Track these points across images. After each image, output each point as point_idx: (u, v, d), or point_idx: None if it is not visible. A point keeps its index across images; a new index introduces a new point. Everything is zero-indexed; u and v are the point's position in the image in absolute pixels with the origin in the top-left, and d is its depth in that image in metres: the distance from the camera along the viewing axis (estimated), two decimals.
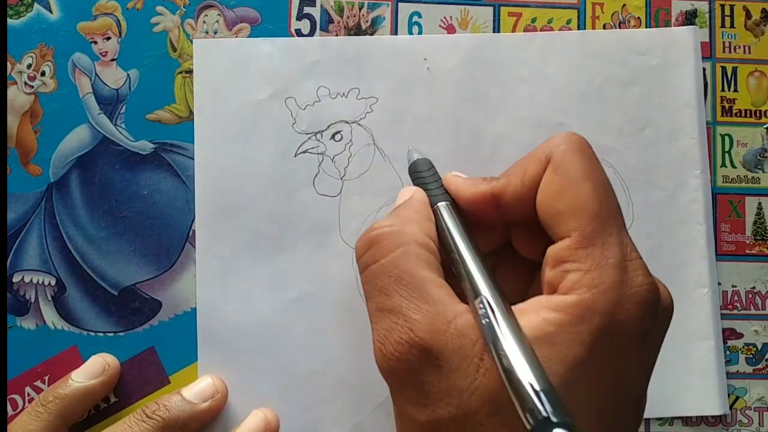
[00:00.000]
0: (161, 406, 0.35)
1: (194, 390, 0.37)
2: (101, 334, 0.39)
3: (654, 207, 0.40)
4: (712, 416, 0.40)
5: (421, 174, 0.32)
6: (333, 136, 0.40)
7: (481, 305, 0.24)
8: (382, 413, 0.38)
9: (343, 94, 0.40)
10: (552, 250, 0.25)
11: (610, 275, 0.23)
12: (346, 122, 0.40)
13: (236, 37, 0.40)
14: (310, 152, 0.39)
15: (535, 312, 0.24)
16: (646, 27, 0.42)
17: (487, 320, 0.23)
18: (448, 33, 0.41)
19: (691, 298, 0.39)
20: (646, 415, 0.39)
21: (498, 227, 0.29)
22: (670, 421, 0.39)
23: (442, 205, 0.29)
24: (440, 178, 0.31)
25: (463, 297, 0.25)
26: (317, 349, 0.38)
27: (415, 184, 0.32)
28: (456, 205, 0.29)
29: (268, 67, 0.40)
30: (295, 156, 0.39)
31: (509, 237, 0.29)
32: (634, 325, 0.24)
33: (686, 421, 0.39)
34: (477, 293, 0.25)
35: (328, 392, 0.38)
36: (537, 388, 0.21)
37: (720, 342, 0.40)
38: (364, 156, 0.40)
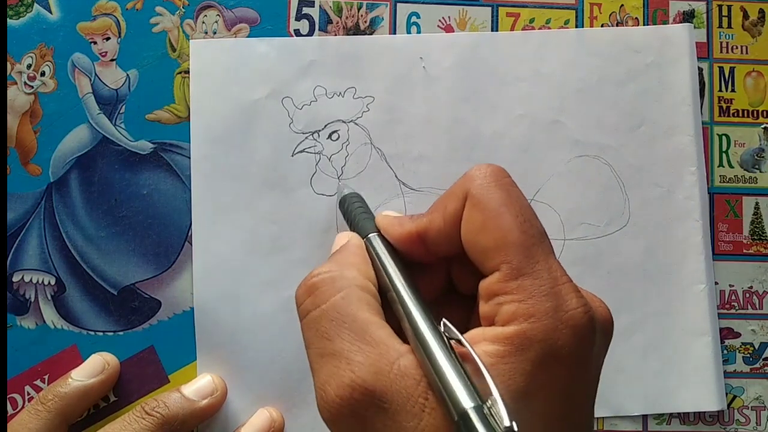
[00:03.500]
0: (161, 403, 0.35)
1: (194, 387, 0.37)
2: (101, 334, 0.39)
3: (650, 204, 0.40)
4: (710, 415, 0.40)
5: (352, 207, 0.32)
6: (330, 136, 0.40)
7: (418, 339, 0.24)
8: None
9: (340, 93, 0.40)
10: (483, 285, 0.25)
11: (543, 302, 0.24)
12: (343, 122, 0.40)
13: (235, 37, 0.40)
14: (307, 152, 0.40)
15: (475, 345, 0.24)
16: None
17: (425, 355, 0.24)
18: (446, 33, 0.41)
19: (687, 294, 0.40)
20: (643, 412, 0.39)
21: (436, 266, 0.29)
22: (668, 419, 0.40)
23: (373, 236, 0.29)
24: (369, 210, 0.32)
25: (404, 337, 0.25)
26: None
27: (345, 219, 0.32)
28: (385, 240, 0.29)
29: (265, 66, 0.40)
30: (292, 155, 0.40)
31: (448, 275, 0.29)
32: (573, 349, 0.23)
33: (684, 419, 0.40)
34: (415, 329, 0.25)
35: None
36: (469, 405, 0.22)
37: (717, 338, 0.40)
38: (361, 155, 0.40)
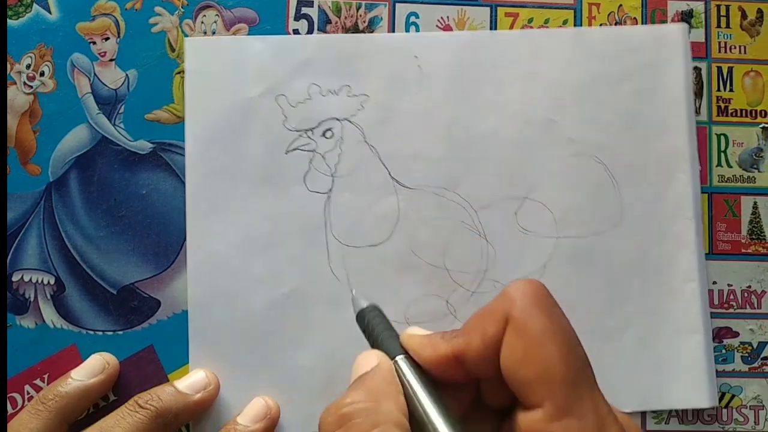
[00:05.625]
0: (154, 396, 0.35)
1: (187, 382, 0.37)
2: (100, 333, 0.39)
3: (644, 203, 0.40)
4: (708, 414, 0.40)
5: (374, 323, 0.30)
6: (324, 134, 0.40)
7: None
8: None
9: (335, 91, 0.40)
10: (525, 421, 0.24)
11: None
12: (337, 119, 0.40)
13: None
14: (301, 149, 0.40)
15: None
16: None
17: None
18: (441, 32, 0.41)
19: (680, 292, 0.40)
20: (635, 408, 0.39)
21: (464, 384, 0.28)
22: (666, 419, 0.40)
23: (401, 359, 0.27)
24: (391, 325, 0.30)
25: None
26: (308, 345, 0.38)
27: (366, 335, 0.30)
28: (414, 361, 0.28)
29: (260, 64, 0.40)
30: (286, 153, 0.40)
31: (477, 388, 0.28)
32: None
33: (682, 419, 0.40)
34: None
35: (318, 388, 0.38)
36: None
37: (709, 336, 0.40)
38: (355, 153, 0.40)
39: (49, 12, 0.40)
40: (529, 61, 0.40)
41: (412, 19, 0.41)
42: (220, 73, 0.40)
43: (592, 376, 0.24)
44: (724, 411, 0.40)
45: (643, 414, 0.40)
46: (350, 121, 0.40)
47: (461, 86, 0.40)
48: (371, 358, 0.27)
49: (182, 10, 0.41)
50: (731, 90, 0.42)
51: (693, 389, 0.39)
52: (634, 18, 0.42)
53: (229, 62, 0.40)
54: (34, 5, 0.40)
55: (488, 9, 0.41)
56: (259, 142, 0.40)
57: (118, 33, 0.40)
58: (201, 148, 0.39)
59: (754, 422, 0.40)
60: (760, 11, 0.42)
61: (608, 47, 0.41)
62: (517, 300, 0.25)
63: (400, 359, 0.27)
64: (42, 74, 0.40)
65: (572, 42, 0.41)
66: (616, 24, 0.42)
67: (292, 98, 0.40)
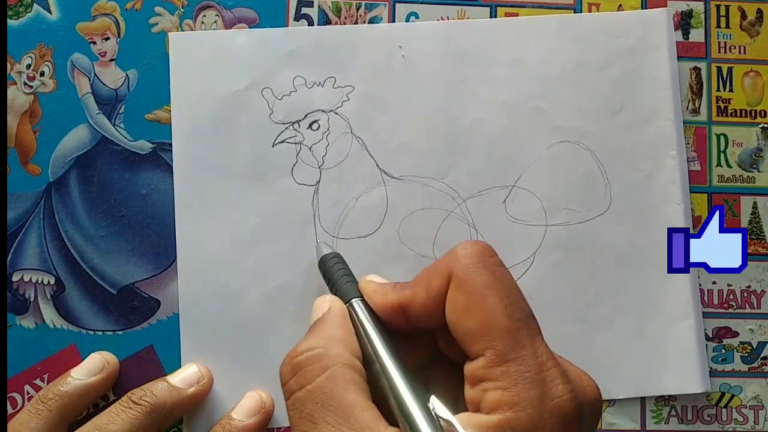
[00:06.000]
0: (148, 392, 0.35)
1: (180, 376, 0.37)
2: (100, 333, 0.39)
3: (632, 189, 0.40)
4: (708, 414, 0.40)
5: (334, 269, 0.31)
6: (310, 126, 0.40)
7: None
8: None
9: (320, 83, 0.40)
10: (468, 369, 0.25)
11: (529, 391, 0.23)
12: (323, 111, 0.40)
13: None
14: (288, 142, 0.40)
15: None
16: None
17: None
18: (426, 21, 0.41)
19: (670, 279, 0.40)
20: (627, 395, 0.39)
21: (423, 333, 0.29)
22: (666, 419, 0.40)
23: (356, 302, 0.29)
24: (351, 272, 0.31)
25: (388, 410, 0.25)
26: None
27: (326, 280, 0.31)
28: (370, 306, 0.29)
29: (244, 58, 0.40)
30: (272, 146, 0.40)
31: (435, 341, 0.29)
32: None
33: (682, 418, 0.40)
34: (405, 414, 0.24)
35: None
36: None
37: (700, 321, 0.40)
38: (342, 145, 0.40)
39: (50, 12, 0.40)
40: (514, 49, 0.40)
41: (412, 19, 0.41)
42: (205, 67, 0.40)
43: (536, 327, 0.25)
44: (724, 411, 0.40)
45: (643, 414, 0.40)
46: (336, 113, 0.40)
47: (447, 75, 0.40)
48: (324, 303, 0.29)
49: (182, 10, 0.41)
50: (731, 90, 0.42)
51: (685, 375, 0.39)
52: None
53: (213, 56, 0.40)
54: (35, 5, 0.40)
55: (488, 9, 0.42)
56: (246, 135, 0.40)
57: (119, 33, 0.40)
58: (188, 143, 0.39)
59: (754, 422, 0.40)
60: (759, 11, 0.42)
61: (593, 33, 0.41)
62: (462, 258, 0.26)
63: (356, 302, 0.29)
64: (42, 74, 0.40)
65: (557, 29, 0.41)
66: None
67: (277, 91, 0.40)
